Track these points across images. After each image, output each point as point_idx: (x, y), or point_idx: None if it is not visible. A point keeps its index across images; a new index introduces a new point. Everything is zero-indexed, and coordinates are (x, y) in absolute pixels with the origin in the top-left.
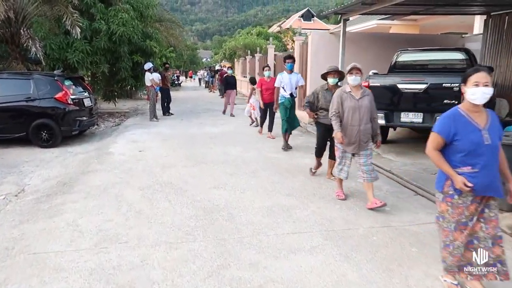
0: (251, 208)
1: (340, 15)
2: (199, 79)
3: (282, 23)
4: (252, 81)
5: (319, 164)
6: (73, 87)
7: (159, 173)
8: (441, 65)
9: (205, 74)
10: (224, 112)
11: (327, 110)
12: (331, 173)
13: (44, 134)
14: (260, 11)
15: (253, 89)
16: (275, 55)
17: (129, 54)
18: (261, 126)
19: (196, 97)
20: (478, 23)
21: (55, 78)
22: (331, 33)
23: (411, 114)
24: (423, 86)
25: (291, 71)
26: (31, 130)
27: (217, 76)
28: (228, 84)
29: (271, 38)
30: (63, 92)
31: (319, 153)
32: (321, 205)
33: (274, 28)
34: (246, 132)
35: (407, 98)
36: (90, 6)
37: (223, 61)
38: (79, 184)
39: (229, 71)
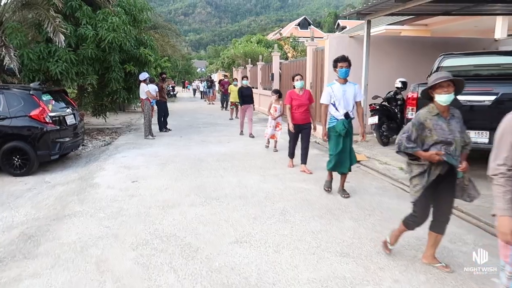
0: (297, 284)
1: (358, 16)
2: (194, 90)
3: (278, 32)
4: (277, 92)
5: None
6: (53, 102)
7: (158, 218)
8: (502, 71)
9: (201, 84)
10: (241, 133)
11: (447, 143)
12: (434, 257)
13: (16, 159)
14: (253, 21)
15: (279, 101)
16: (280, 63)
17: (121, 64)
18: (292, 156)
19: (193, 109)
20: (500, 26)
21: (30, 92)
22: (351, 36)
23: (473, 133)
24: (492, 98)
25: (345, 80)
26: (0, 155)
27: (217, 86)
28: (243, 97)
29: (275, 45)
30: (40, 108)
31: (421, 218)
32: (398, 276)
33: (270, 37)
34: (259, 152)
35: (469, 113)
36: (75, 9)
37: (219, 70)
38: (49, 239)
39: (244, 82)
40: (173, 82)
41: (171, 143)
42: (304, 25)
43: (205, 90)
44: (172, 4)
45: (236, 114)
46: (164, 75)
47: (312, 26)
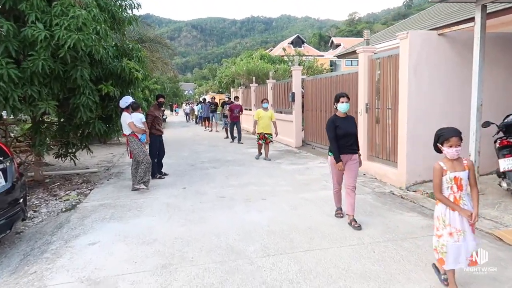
0: None
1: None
2: (187, 114)
3: (270, 51)
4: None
5: None
6: None
7: None
8: None
9: (195, 107)
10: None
11: None
12: None
13: None
14: (238, 43)
15: None
16: (303, 80)
17: (93, 82)
18: None
19: (190, 138)
20: None
21: None
22: (440, 34)
23: None
24: None
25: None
26: None
27: (222, 110)
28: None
29: (296, 57)
30: None
31: None
32: None
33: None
34: (325, 223)
35: None
36: (19, 0)
37: (209, 92)
38: None
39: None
40: None
41: (172, 205)
42: (297, 43)
43: (200, 115)
44: (158, 28)
45: (266, 153)
46: (161, 99)
47: (306, 44)
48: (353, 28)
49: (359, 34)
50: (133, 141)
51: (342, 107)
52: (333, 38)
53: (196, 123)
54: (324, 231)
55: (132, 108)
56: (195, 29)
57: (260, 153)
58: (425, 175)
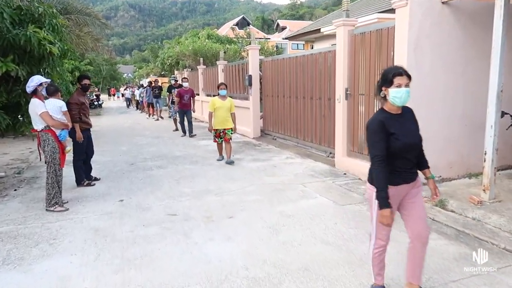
0: None
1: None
2: (128, 99)
3: (230, 27)
4: None
5: None
6: None
7: None
8: None
9: (136, 91)
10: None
11: None
12: None
13: None
14: (180, 25)
15: None
16: (261, 61)
17: None
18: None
19: (130, 128)
20: None
21: None
22: (443, 2)
23: None
24: None
25: None
26: None
27: (169, 96)
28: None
29: (252, 34)
30: None
31: None
32: None
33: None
34: (333, 257)
35: None
36: None
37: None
38: None
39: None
40: (97, 89)
41: (103, 231)
42: (243, 24)
43: (141, 99)
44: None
45: (227, 154)
46: (86, 81)
47: (251, 26)
48: (295, 12)
49: (301, 18)
50: (48, 140)
51: (400, 95)
52: (278, 21)
53: (137, 109)
54: (330, 275)
55: (48, 92)
56: (132, 9)
57: (221, 155)
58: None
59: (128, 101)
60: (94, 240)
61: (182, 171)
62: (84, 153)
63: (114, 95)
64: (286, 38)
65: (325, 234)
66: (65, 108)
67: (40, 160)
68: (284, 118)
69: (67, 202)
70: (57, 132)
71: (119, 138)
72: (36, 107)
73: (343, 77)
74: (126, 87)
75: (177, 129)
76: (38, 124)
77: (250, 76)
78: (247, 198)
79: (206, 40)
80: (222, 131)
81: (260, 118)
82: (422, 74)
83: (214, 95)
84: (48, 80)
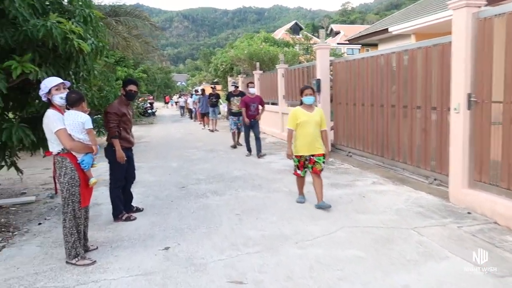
0: None
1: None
2: (181, 107)
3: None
4: None
5: None
6: None
7: None
8: None
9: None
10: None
11: None
12: None
13: None
14: (231, 34)
15: None
16: (331, 62)
17: None
18: None
19: (182, 138)
20: None
21: None
22: None
23: None
24: None
25: None
26: None
27: (228, 105)
28: None
29: (322, 31)
30: None
31: None
32: None
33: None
34: None
35: None
36: None
37: (203, 83)
38: None
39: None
40: (151, 97)
41: None
42: (295, 30)
43: (194, 108)
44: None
45: (318, 196)
46: (132, 87)
47: (304, 31)
48: (346, 18)
49: (352, 23)
50: (65, 167)
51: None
52: (332, 26)
53: (191, 118)
54: None
55: (68, 101)
56: (186, 20)
57: (302, 195)
58: None
59: (182, 109)
60: None
61: (244, 201)
62: (123, 179)
63: (168, 102)
64: (347, 41)
65: None
66: (89, 125)
67: (56, 193)
68: (362, 131)
69: (97, 248)
70: (79, 157)
71: (170, 151)
72: (51, 121)
73: (465, 79)
74: (180, 95)
75: (235, 146)
76: (54, 145)
77: (318, 81)
78: (341, 253)
79: (263, 43)
80: (309, 159)
81: (331, 130)
82: None
83: (272, 103)
84: (67, 83)
